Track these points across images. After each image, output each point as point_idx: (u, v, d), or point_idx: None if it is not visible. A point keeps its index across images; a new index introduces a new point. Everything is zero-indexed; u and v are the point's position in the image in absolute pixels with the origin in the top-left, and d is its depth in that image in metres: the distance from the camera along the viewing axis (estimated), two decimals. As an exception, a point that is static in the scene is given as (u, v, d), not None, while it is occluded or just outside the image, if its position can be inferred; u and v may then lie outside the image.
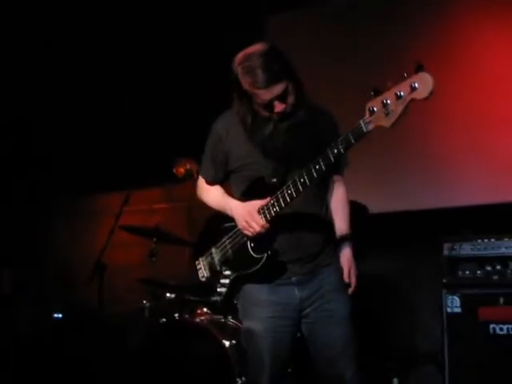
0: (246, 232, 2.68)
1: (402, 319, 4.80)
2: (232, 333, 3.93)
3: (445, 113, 4.85)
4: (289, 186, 2.57)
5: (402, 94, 2.23)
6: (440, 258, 4.06)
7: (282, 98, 2.60)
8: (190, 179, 5.56)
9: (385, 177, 5.08)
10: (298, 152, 2.68)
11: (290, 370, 3.55)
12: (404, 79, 2.25)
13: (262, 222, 2.62)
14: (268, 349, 2.75)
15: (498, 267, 3.89)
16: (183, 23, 5.76)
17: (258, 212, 2.64)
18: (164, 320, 4.10)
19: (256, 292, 2.80)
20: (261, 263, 2.68)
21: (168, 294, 4.32)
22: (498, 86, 4.78)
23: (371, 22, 5.31)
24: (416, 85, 2.21)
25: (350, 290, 2.85)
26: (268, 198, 2.63)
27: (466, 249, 4.01)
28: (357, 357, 2.83)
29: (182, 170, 5.58)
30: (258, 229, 2.63)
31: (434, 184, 4.88)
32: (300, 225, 2.75)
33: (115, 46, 6.00)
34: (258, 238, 2.68)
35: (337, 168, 2.84)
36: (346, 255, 2.89)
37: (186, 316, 4.16)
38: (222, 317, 4.07)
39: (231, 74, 2.65)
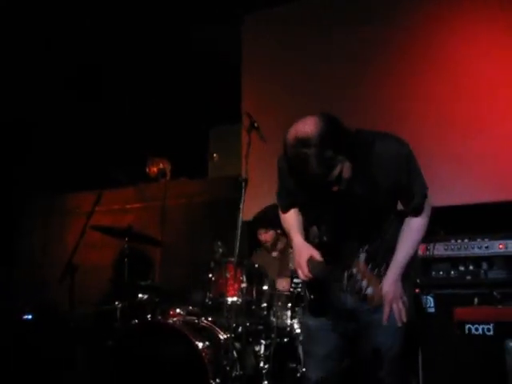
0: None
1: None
2: (206, 334, 3.90)
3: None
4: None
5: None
6: (413, 259, 4.06)
7: (337, 179, 2.46)
8: (163, 178, 5.55)
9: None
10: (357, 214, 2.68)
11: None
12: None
13: (306, 272, 2.67)
14: None
15: (471, 267, 3.90)
16: (159, 20, 5.70)
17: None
18: (137, 321, 4.05)
19: None
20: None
21: (140, 295, 4.27)
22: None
23: (345, 19, 5.32)
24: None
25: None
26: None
27: (440, 249, 4.01)
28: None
29: (154, 169, 5.56)
30: (302, 276, 2.69)
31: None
32: None
33: (98, 46, 5.91)
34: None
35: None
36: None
37: (159, 317, 4.11)
38: (195, 318, 4.04)
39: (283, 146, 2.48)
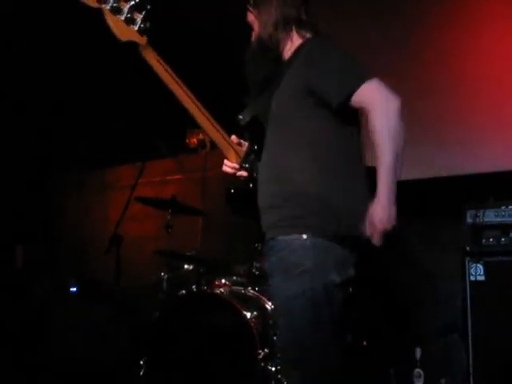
0: None
1: (423, 289, 4.73)
2: (253, 304, 3.88)
3: (467, 72, 4.71)
4: None
5: None
6: (463, 226, 3.98)
7: None
8: (203, 149, 5.50)
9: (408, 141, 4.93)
10: None
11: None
12: None
13: None
14: None
15: (523, 234, 3.82)
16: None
17: None
18: (183, 292, 4.04)
19: None
20: None
21: (186, 266, 4.26)
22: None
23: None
24: None
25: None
26: None
27: (490, 215, 3.93)
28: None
29: (194, 140, 5.50)
30: None
31: (455, 150, 4.70)
32: None
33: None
34: None
35: None
36: None
37: (205, 288, 4.09)
38: (242, 288, 4.02)
39: None
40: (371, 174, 2.34)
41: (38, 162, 6.39)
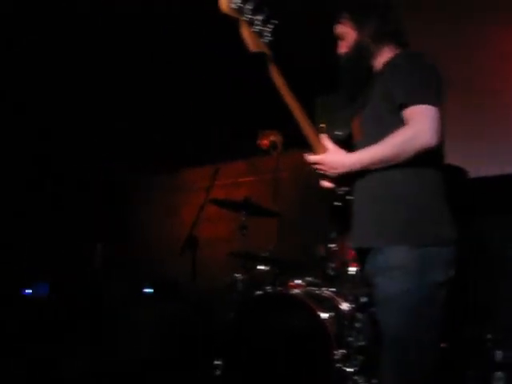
0: None
1: (507, 288, 4.60)
2: (328, 305, 3.86)
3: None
4: None
5: None
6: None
7: None
8: (275, 151, 5.51)
9: (485, 137, 4.81)
10: None
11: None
12: None
13: None
14: None
15: None
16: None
17: None
18: (259, 292, 4.04)
19: None
20: None
21: (260, 267, 4.27)
22: None
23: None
24: None
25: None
26: None
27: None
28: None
29: (266, 142, 5.51)
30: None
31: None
32: None
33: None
34: None
35: None
36: None
37: (280, 288, 4.09)
38: (317, 288, 4.00)
39: None
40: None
41: (116, 165, 6.52)
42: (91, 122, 6.30)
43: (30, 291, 5.29)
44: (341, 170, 2.50)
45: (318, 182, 2.82)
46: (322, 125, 5.33)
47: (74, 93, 5.97)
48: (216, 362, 4.00)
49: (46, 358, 4.90)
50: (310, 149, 2.68)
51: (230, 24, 2.55)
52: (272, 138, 5.45)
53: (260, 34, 2.49)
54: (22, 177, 6.13)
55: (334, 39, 2.72)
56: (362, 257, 2.59)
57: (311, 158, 2.57)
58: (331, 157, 2.51)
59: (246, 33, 2.45)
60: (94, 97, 6.10)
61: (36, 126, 6.07)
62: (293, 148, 5.89)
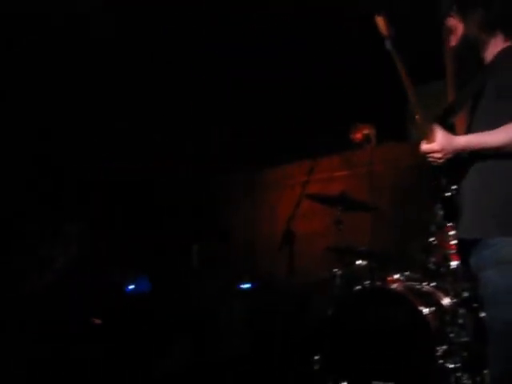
0: None
1: None
2: (429, 299, 3.79)
3: None
4: None
5: None
6: None
7: None
8: (368, 144, 5.46)
9: None
10: None
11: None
12: None
13: None
14: None
15: None
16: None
17: None
18: (358, 287, 4.02)
19: None
20: None
21: (358, 261, 4.25)
22: None
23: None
24: None
25: None
26: None
27: None
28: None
29: (359, 135, 5.47)
30: None
31: None
32: None
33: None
34: None
35: None
36: None
37: (379, 283, 4.06)
38: (416, 283, 3.94)
39: None
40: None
41: (211, 165, 6.61)
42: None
43: (133, 287, 5.46)
44: (451, 153, 2.48)
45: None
46: (417, 116, 5.24)
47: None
48: (314, 357, 4.01)
49: (147, 353, 5.04)
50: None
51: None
52: (365, 131, 5.41)
53: None
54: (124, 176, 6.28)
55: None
56: (465, 250, 2.54)
57: (425, 147, 2.54)
58: (442, 141, 2.46)
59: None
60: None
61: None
62: (386, 141, 5.86)
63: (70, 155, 6.07)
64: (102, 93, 5.91)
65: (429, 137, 2.50)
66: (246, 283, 5.60)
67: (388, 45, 2.45)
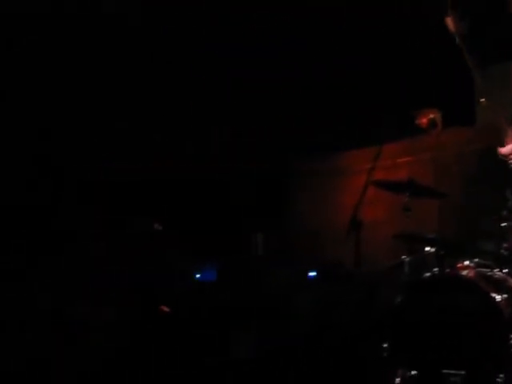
0: None
1: None
2: (501, 286, 3.71)
3: None
4: None
5: None
6: None
7: None
8: (434, 129, 5.36)
9: None
10: None
11: None
12: None
13: None
14: None
15: None
16: None
17: None
18: (427, 275, 3.97)
19: None
20: None
21: (427, 249, 4.18)
22: None
23: None
24: None
25: None
26: None
27: None
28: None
29: (424, 120, 5.38)
30: None
31: None
32: None
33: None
34: None
35: None
36: None
37: (449, 270, 3.99)
38: (488, 270, 3.86)
39: None
40: None
41: (276, 153, 6.61)
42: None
43: (200, 276, 5.53)
44: None
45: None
46: (482, 99, 5.11)
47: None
48: (383, 346, 3.98)
49: (213, 340, 5.10)
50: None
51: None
52: (431, 115, 5.31)
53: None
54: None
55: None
56: None
57: (504, 150, 2.54)
58: None
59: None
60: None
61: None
62: (452, 125, 5.74)
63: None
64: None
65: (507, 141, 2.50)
66: (312, 271, 5.59)
67: (458, 41, 2.43)
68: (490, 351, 3.59)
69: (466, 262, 3.99)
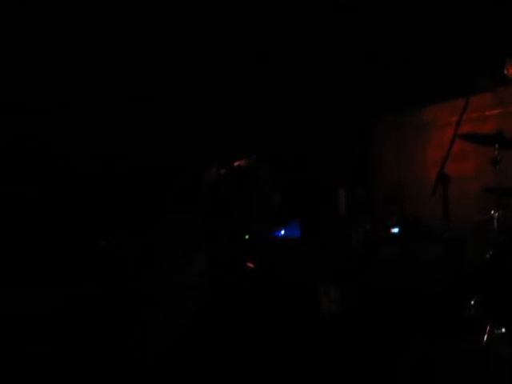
0: None
1: None
2: None
3: None
4: None
5: None
6: None
7: None
8: (524, 80, 5.14)
9: None
10: None
11: None
12: None
13: None
14: None
15: None
16: None
17: None
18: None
19: None
20: None
21: (517, 203, 4.07)
22: None
23: None
24: None
25: None
26: None
27: None
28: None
29: (513, 70, 5.17)
30: None
31: None
32: None
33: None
34: None
35: None
36: None
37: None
38: None
39: None
40: None
41: (356, 109, 6.51)
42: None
43: (284, 232, 5.55)
44: None
45: None
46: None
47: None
48: (471, 303, 3.92)
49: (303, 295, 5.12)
50: None
51: None
52: (521, 65, 5.10)
53: None
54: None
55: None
56: None
57: None
58: None
59: None
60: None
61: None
62: (544, 75, 5.50)
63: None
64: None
65: None
66: (396, 227, 5.52)
67: None
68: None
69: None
